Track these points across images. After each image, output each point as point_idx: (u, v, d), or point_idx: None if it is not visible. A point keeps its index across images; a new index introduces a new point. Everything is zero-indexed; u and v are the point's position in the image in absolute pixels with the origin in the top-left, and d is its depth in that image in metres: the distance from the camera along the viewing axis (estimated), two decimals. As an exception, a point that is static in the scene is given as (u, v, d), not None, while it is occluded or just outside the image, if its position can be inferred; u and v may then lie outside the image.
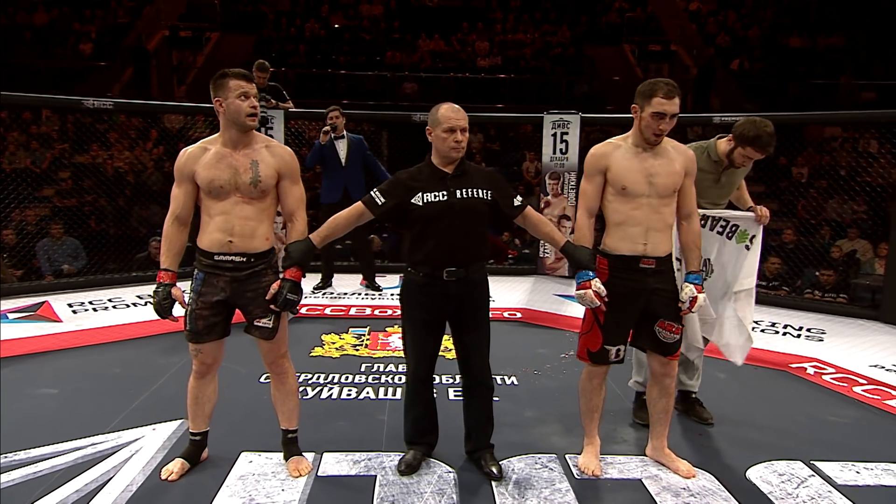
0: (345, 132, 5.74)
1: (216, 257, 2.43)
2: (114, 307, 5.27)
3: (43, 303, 5.28)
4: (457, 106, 2.46)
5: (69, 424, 2.96)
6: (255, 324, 2.50)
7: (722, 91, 13.55)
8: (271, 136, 6.44)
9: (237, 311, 2.53)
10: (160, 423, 3.00)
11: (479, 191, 2.48)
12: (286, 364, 2.64)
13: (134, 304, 5.36)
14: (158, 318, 2.46)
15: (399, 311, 2.64)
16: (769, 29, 14.96)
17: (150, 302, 5.28)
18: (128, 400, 3.29)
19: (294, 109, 6.65)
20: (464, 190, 2.47)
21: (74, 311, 5.09)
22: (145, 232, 8.02)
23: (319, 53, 13.65)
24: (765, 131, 2.91)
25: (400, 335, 2.88)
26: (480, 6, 15.58)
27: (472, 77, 13.34)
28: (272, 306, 2.46)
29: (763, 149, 2.93)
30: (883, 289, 5.32)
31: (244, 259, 2.44)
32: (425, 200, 2.43)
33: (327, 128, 5.63)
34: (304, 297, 2.60)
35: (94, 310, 5.18)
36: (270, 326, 2.50)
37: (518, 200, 2.55)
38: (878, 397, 3.55)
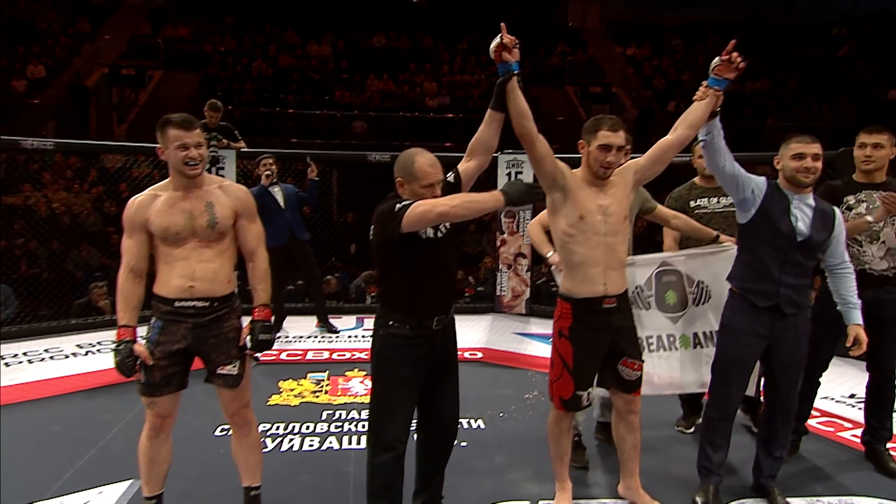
0: (276, 180, 5.66)
1: (176, 303, 2.32)
2: (51, 358, 4.94)
3: (-30, 355, 4.90)
4: (431, 156, 2.29)
5: (5, 491, 2.71)
6: (219, 371, 2.37)
7: (661, 132, 13.99)
8: (223, 175, 6.29)
9: (196, 360, 2.40)
10: (107, 484, 2.79)
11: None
12: (250, 414, 2.51)
13: (74, 355, 5.03)
14: (121, 375, 2.31)
15: (361, 356, 2.53)
16: (701, 73, 15.76)
17: (92, 352, 5.01)
18: (70, 461, 3.05)
19: (246, 149, 6.53)
20: (441, 224, 2.31)
21: (7, 364, 4.74)
22: (81, 276, 7.63)
23: (267, 92, 13.56)
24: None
25: (361, 381, 2.75)
26: (428, 48, 15.87)
27: (421, 116, 13.51)
28: (247, 351, 2.35)
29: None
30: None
31: (207, 304, 2.34)
32: (426, 235, 2.24)
33: (269, 173, 5.55)
34: (276, 337, 2.49)
35: (30, 361, 4.84)
36: (235, 373, 2.39)
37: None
38: (832, 429, 3.65)
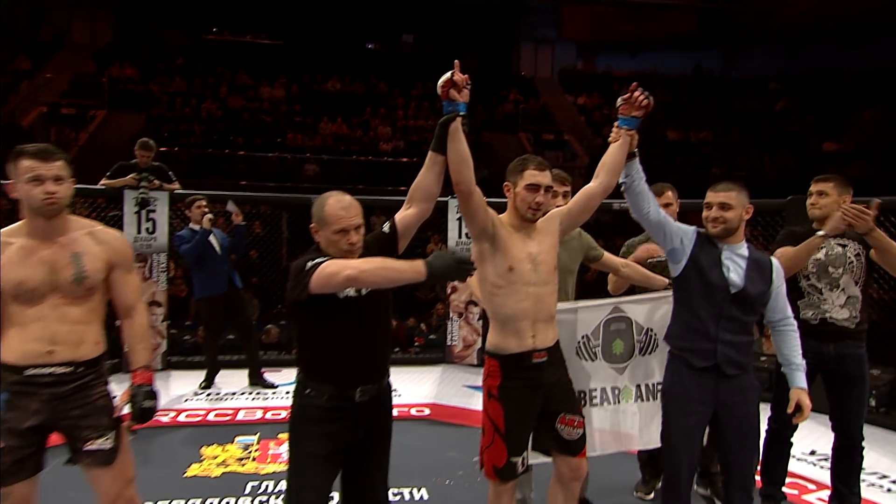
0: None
1: (28, 372, 1.95)
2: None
3: None
4: (347, 198, 2.07)
5: None
6: (87, 448, 2.01)
7: None
8: (153, 219, 5.94)
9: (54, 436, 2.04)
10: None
11: None
12: (135, 496, 2.13)
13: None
14: None
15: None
16: (648, 122, 16.22)
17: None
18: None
19: (181, 191, 6.18)
20: None
21: None
22: None
23: (216, 133, 13.26)
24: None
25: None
26: (383, 93, 15.91)
27: (374, 160, 13.38)
28: (125, 423, 2.03)
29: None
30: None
31: (69, 369, 1.99)
32: (346, 293, 1.99)
33: (210, 215, 5.25)
34: (159, 402, 2.14)
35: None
36: (109, 447, 2.03)
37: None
38: (796, 492, 3.48)
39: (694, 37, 18.25)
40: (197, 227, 5.22)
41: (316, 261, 1.90)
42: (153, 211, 5.96)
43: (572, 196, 2.61)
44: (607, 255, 3.18)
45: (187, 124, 13.28)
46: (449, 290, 6.70)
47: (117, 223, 6.01)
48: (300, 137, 13.69)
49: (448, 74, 2.12)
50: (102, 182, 5.92)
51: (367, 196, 5.94)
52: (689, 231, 2.49)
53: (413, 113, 15.26)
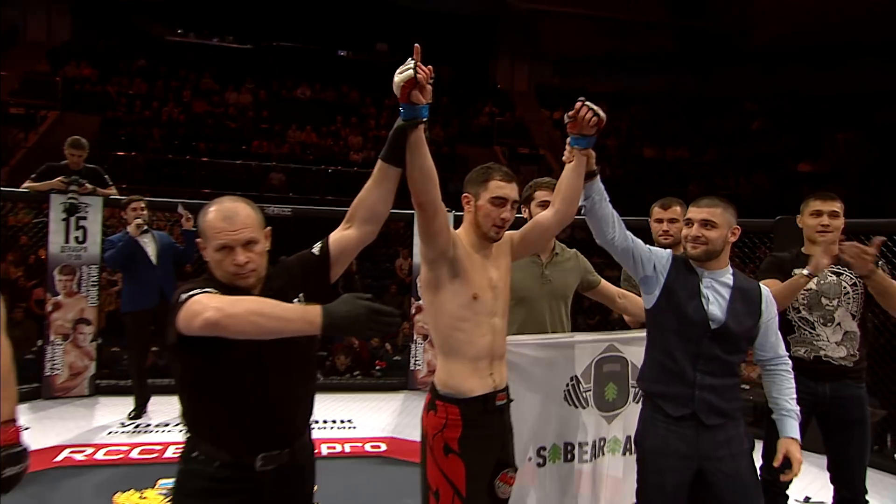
0: (148, 227, 4.84)
1: None
2: None
3: None
4: (237, 205, 1.64)
5: None
6: None
7: None
8: (84, 227, 5.34)
9: None
10: None
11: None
12: None
13: None
14: None
15: None
16: (625, 139, 16.16)
17: None
18: None
19: (117, 196, 5.60)
20: None
21: None
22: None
23: (177, 139, 12.64)
24: (542, 179, 2.70)
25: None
26: (354, 101, 15.48)
27: (344, 170, 12.89)
28: None
29: (549, 186, 2.56)
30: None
31: None
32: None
33: (140, 220, 4.72)
34: (25, 464, 1.64)
35: None
36: None
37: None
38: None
39: (671, 55, 18.23)
40: (132, 230, 4.74)
41: (190, 292, 1.48)
42: (84, 218, 5.36)
43: None
44: (604, 284, 2.80)
45: (146, 128, 12.64)
46: (413, 311, 6.21)
47: (42, 230, 5.44)
48: (266, 145, 13.15)
49: (408, 70, 1.69)
50: (26, 185, 5.32)
51: (336, 207, 5.48)
52: (663, 255, 2.17)
53: (385, 122, 14.84)
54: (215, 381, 1.55)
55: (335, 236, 1.83)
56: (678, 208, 2.96)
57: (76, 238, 5.36)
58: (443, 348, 2.01)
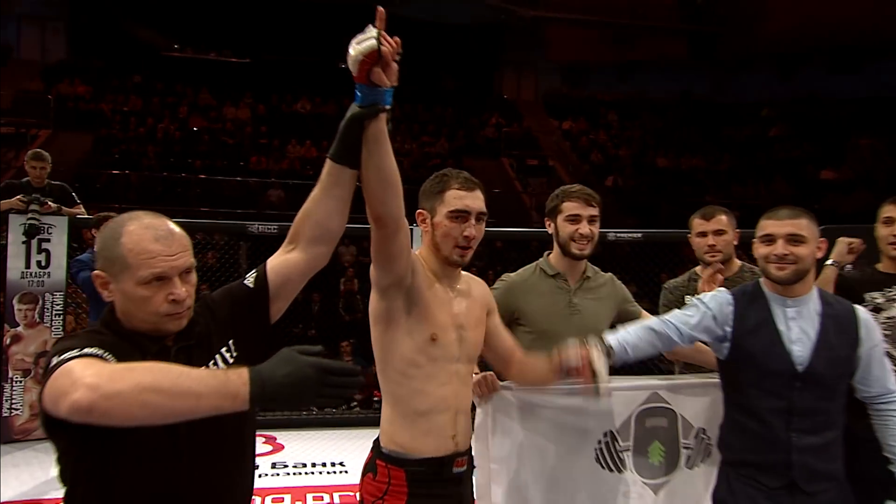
0: None
1: None
2: None
3: None
4: (167, 224, 1.26)
5: None
6: None
7: (600, 207, 13.78)
8: (47, 249, 4.86)
9: None
10: None
11: (221, 356, 1.32)
12: None
13: None
14: None
15: None
16: (637, 148, 15.72)
17: None
18: None
19: (84, 216, 5.14)
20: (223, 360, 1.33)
21: None
22: None
23: (173, 156, 12.29)
24: (572, 186, 2.32)
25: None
26: (356, 115, 15.14)
27: (347, 186, 12.49)
28: None
29: (580, 195, 2.22)
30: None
31: None
32: None
33: None
34: None
35: None
36: None
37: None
38: None
39: (683, 60, 17.78)
40: None
41: (62, 355, 1.09)
42: (47, 240, 4.88)
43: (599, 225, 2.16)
44: (645, 315, 2.32)
45: (140, 145, 12.30)
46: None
47: (1, 255, 4.98)
48: (265, 161, 12.77)
49: (370, 41, 1.28)
50: (-19, 206, 4.86)
51: (355, 225, 4.97)
52: (723, 302, 1.85)
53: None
54: (110, 476, 1.15)
55: (275, 262, 1.43)
56: (724, 217, 2.51)
57: (38, 262, 4.89)
58: (390, 396, 1.68)
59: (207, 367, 1.28)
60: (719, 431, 1.92)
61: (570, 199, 2.19)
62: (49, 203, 4.90)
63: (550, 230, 2.27)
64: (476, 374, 2.00)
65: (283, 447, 4.61)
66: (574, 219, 2.15)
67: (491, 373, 2.04)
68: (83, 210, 5.24)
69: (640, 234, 5.89)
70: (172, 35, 15.74)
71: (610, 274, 2.35)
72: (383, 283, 1.61)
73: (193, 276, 1.28)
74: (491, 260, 9.14)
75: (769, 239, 1.79)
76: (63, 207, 5.03)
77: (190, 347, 1.27)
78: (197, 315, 1.31)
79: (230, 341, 1.33)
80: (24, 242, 4.82)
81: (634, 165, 15.04)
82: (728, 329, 1.82)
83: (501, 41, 17.81)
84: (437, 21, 16.12)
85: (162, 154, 12.28)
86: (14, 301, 4.79)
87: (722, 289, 1.94)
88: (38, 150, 5.10)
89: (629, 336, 1.84)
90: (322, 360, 1.04)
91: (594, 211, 2.18)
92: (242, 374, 1.03)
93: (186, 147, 12.66)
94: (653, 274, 6.41)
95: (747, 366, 1.80)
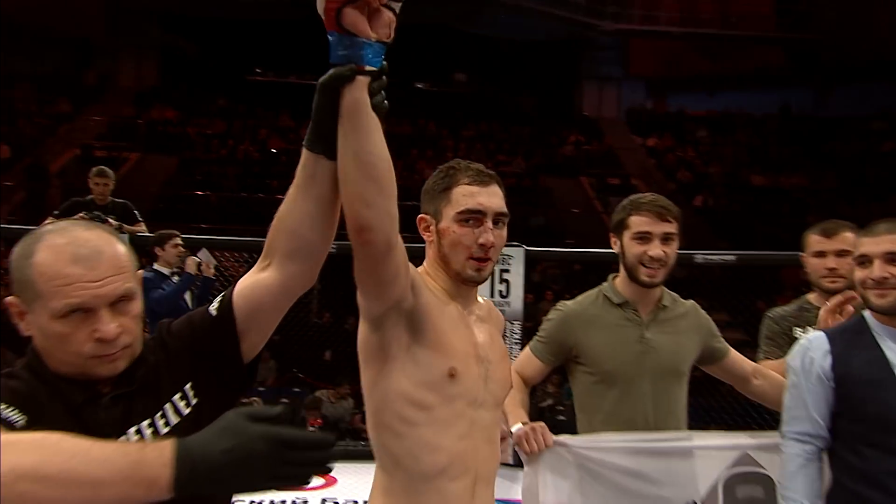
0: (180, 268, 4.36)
1: None
2: None
3: None
4: (95, 238, 0.98)
5: None
6: None
7: (687, 228, 12.94)
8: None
9: None
10: None
11: (174, 405, 1.05)
12: None
13: None
14: None
15: None
16: (730, 165, 14.77)
17: None
18: None
19: (146, 233, 5.10)
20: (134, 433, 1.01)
21: None
22: None
23: (251, 177, 12.63)
24: (643, 196, 1.89)
25: None
26: (431, 134, 15.08)
27: (418, 205, 12.38)
28: None
29: (651, 208, 1.79)
30: None
31: None
32: None
33: (198, 258, 4.24)
34: None
35: None
36: None
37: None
38: None
39: (781, 73, 16.57)
40: (165, 270, 4.18)
41: None
42: (108, 259, 4.84)
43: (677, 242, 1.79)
44: (733, 355, 1.93)
45: (221, 167, 12.73)
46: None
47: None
48: (339, 181, 12.92)
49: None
50: (47, 222, 4.90)
51: (411, 244, 4.73)
52: (818, 351, 1.56)
53: (464, 155, 14.28)
54: None
55: (244, 283, 1.10)
56: (849, 235, 2.04)
57: (99, 283, 4.87)
58: (387, 456, 1.26)
59: (153, 420, 1.01)
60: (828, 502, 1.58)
61: (638, 212, 1.77)
62: (110, 220, 4.87)
63: (616, 249, 1.86)
64: (524, 424, 1.67)
65: (335, 481, 4.30)
66: (643, 237, 1.75)
67: (542, 424, 1.68)
68: (144, 228, 5.22)
69: (733, 257, 5.26)
70: (256, 60, 16.34)
71: (692, 302, 1.94)
72: (374, 313, 1.22)
73: (133, 306, 0.98)
74: (568, 283, 8.63)
75: (865, 260, 1.55)
76: (124, 225, 5.01)
77: (130, 395, 1.00)
78: (146, 352, 1.04)
79: (187, 385, 1.05)
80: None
81: (726, 184, 14.14)
82: (828, 381, 1.54)
83: (581, 56, 17.34)
84: (514, 38, 15.87)
85: (241, 175, 12.63)
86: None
87: (816, 333, 1.64)
88: (102, 167, 5.13)
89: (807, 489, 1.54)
90: (278, 431, 0.79)
91: (670, 227, 1.75)
92: (164, 450, 0.77)
93: (264, 168, 13.01)
94: (747, 301, 5.93)
95: (858, 419, 1.51)
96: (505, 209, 1.31)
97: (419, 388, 1.22)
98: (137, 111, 13.93)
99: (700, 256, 4.96)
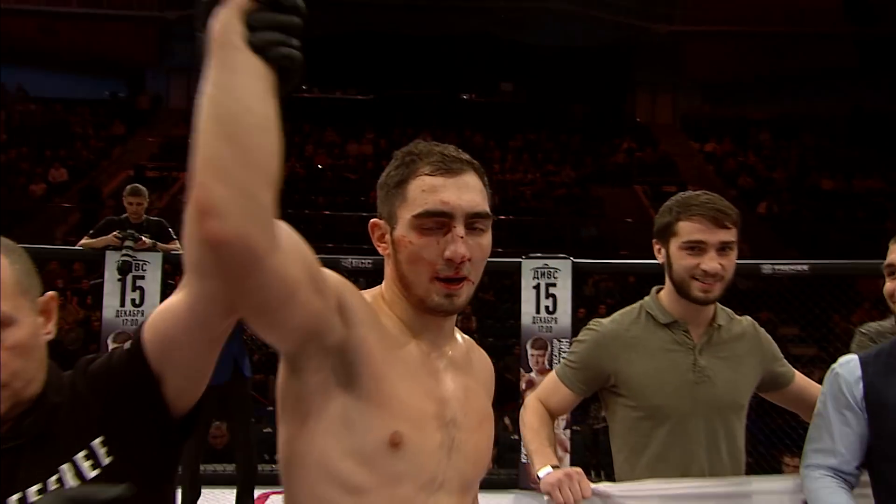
0: None
1: None
2: None
3: None
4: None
5: None
6: None
7: (751, 236, 12.28)
8: (141, 287, 4.70)
9: None
10: None
11: (74, 465, 0.85)
12: None
13: None
14: None
15: None
16: (795, 170, 13.94)
17: None
18: None
19: (179, 251, 4.96)
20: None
21: None
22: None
23: (297, 193, 12.63)
24: (694, 196, 1.54)
25: None
26: (478, 144, 14.86)
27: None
28: None
29: (706, 212, 1.45)
30: None
31: None
32: None
33: None
34: None
35: None
36: None
37: None
38: None
39: (851, 70, 15.57)
40: None
41: None
42: (141, 277, 4.71)
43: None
44: (799, 380, 1.68)
45: (267, 184, 12.85)
46: (524, 385, 4.83)
47: (99, 292, 4.90)
48: (386, 195, 12.84)
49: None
50: (82, 242, 4.88)
51: None
52: (849, 377, 1.37)
53: (511, 166, 14.01)
54: None
55: (157, 309, 0.89)
56: None
57: (133, 300, 4.72)
58: None
59: (45, 483, 0.82)
60: None
61: (689, 216, 1.46)
62: (144, 239, 4.77)
63: (660, 259, 1.54)
64: (555, 468, 1.38)
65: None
66: (695, 247, 1.44)
67: (578, 470, 1.39)
68: (179, 246, 5.09)
69: (806, 267, 4.73)
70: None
71: (749, 319, 1.66)
72: (288, 349, 0.87)
73: (17, 334, 0.80)
74: (623, 297, 8.16)
75: (894, 271, 1.46)
76: (158, 243, 4.89)
77: (19, 450, 0.82)
78: (46, 397, 0.86)
79: (96, 441, 0.86)
80: (118, 280, 4.69)
81: (792, 189, 13.31)
82: (861, 412, 1.37)
83: (633, 61, 16.80)
84: (562, 45, 15.52)
85: (287, 192, 12.65)
86: (108, 340, 4.65)
87: (848, 356, 1.44)
88: (136, 185, 5.07)
89: None
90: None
91: (728, 235, 1.44)
92: None
93: (310, 184, 13.01)
94: (821, 313, 5.56)
95: (889, 447, 1.33)
96: (484, 208, 0.93)
97: (347, 459, 0.85)
98: (187, 131, 14.27)
99: (768, 266, 4.46)
